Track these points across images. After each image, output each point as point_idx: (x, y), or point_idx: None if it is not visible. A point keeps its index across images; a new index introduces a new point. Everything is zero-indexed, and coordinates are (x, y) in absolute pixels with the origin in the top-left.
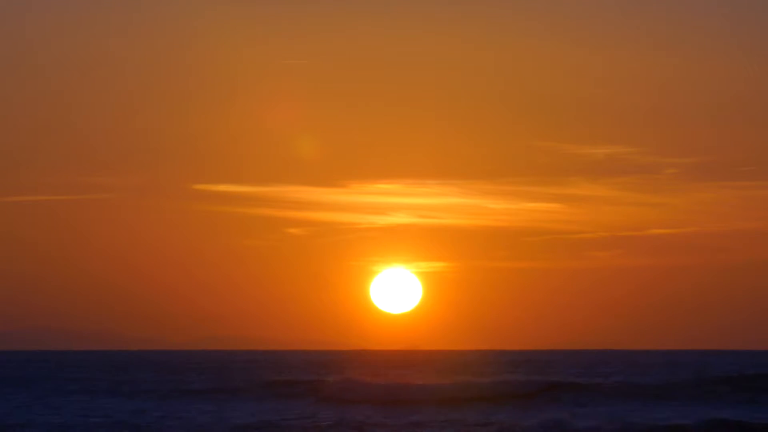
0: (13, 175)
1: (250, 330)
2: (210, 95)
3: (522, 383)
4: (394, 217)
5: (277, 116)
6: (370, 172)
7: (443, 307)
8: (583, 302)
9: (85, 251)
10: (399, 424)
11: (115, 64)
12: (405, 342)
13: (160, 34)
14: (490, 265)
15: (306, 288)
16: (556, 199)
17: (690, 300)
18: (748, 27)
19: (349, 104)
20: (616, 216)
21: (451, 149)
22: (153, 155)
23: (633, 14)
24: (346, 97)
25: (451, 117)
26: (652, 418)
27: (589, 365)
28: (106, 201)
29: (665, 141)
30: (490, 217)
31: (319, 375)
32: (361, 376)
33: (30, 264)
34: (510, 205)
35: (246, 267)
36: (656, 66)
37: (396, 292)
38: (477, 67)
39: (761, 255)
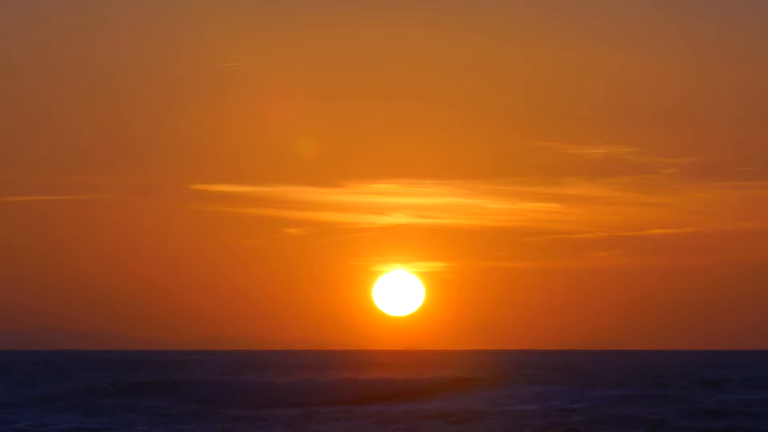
0: (12, 175)
1: (249, 330)
2: (208, 94)
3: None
4: (394, 217)
5: (275, 116)
6: (369, 172)
7: (443, 307)
8: (582, 302)
9: (84, 251)
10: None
11: (112, 63)
12: (405, 342)
13: (156, 34)
14: (490, 265)
15: (305, 288)
16: (555, 199)
17: (689, 300)
18: (748, 29)
19: (347, 104)
20: (615, 216)
21: (450, 149)
22: (151, 155)
23: (632, 16)
24: (344, 97)
25: (450, 117)
26: None
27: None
28: (104, 201)
29: (664, 141)
30: (490, 217)
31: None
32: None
33: (29, 264)
34: (510, 205)
35: (245, 267)
36: (655, 67)
37: (398, 295)
38: (476, 68)
39: (761, 255)
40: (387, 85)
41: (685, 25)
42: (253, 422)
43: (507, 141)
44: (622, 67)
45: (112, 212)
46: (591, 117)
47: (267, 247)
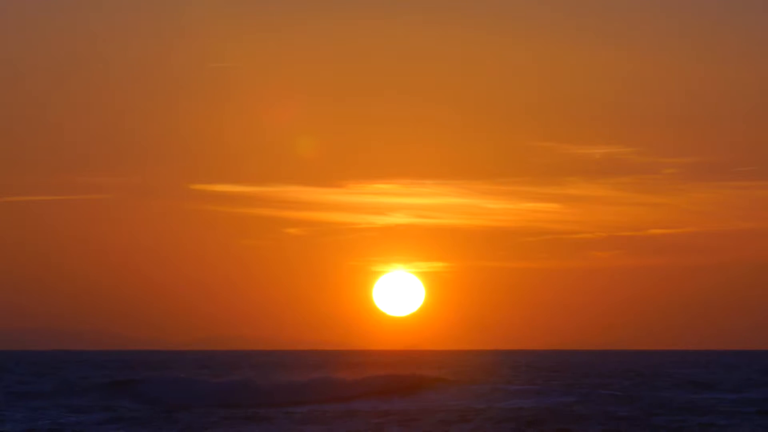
0: (12, 175)
1: (249, 330)
2: (207, 94)
3: None
4: (393, 217)
5: (274, 116)
6: (369, 172)
7: (443, 307)
8: (582, 302)
9: (84, 251)
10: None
11: (111, 64)
12: (405, 342)
13: (155, 34)
14: (490, 265)
15: (305, 288)
16: (554, 199)
17: (689, 300)
18: (748, 29)
19: (347, 104)
20: (614, 216)
21: (450, 149)
22: (151, 155)
23: (631, 16)
24: (344, 97)
25: (450, 117)
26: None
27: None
28: (104, 201)
29: (663, 141)
30: (490, 217)
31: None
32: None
33: (29, 264)
34: (509, 205)
35: (245, 267)
36: (655, 67)
37: (398, 296)
38: (476, 68)
39: (761, 255)
40: (387, 84)
41: (685, 25)
42: (229, 420)
43: (507, 141)
44: (623, 67)
45: (112, 212)
46: (591, 117)
47: (267, 247)
